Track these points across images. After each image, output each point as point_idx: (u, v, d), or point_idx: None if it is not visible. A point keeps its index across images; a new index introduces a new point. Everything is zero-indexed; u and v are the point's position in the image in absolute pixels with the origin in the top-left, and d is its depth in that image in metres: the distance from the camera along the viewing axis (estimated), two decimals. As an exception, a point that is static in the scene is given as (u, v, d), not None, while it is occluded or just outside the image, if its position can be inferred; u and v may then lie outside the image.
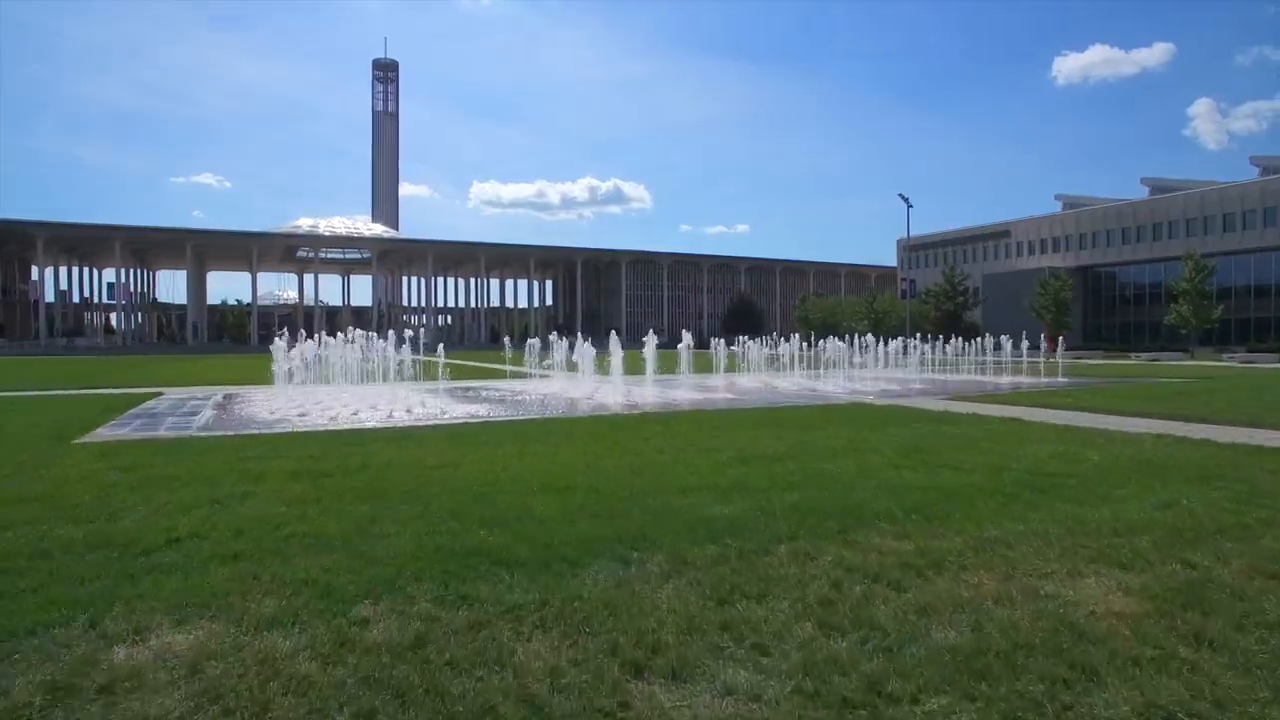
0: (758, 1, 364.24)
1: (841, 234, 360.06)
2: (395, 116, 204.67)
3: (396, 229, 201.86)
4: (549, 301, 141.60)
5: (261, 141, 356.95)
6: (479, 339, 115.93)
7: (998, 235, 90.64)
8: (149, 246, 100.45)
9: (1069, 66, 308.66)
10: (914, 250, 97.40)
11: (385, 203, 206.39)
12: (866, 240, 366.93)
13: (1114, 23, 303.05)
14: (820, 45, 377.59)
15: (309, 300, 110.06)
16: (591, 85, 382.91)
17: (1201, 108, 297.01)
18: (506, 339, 26.73)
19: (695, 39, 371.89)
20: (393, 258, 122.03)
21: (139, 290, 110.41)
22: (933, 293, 74.15)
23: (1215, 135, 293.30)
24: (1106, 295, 79.90)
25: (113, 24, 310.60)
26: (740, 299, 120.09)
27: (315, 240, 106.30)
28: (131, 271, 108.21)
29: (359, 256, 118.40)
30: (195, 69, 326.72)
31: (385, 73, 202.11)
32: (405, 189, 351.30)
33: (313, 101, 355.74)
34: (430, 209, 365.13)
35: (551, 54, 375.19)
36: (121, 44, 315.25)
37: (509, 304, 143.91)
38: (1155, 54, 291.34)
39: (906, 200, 79.73)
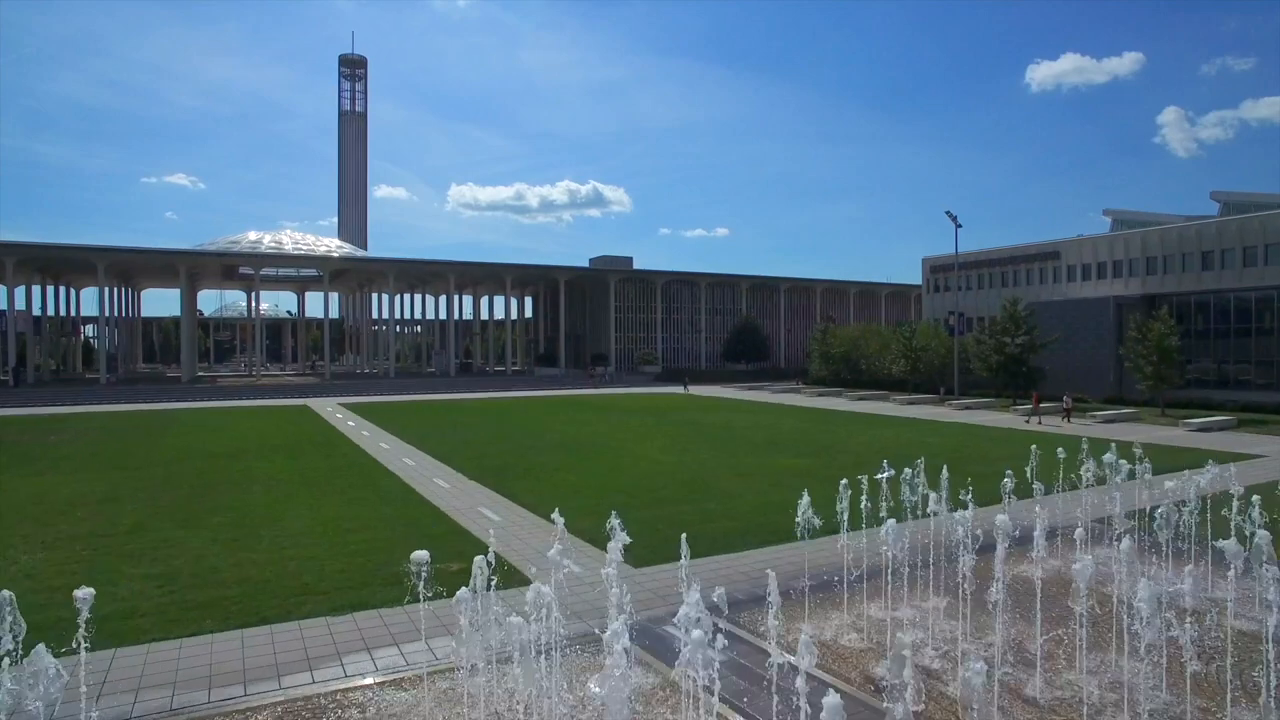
0: (735, 7, 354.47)
1: (823, 238, 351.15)
2: (364, 116, 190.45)
3: (365, 232, 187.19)
4: (529, 315, 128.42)
5: (236, 141, 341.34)
6: (447, 366, 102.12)
7: (1045, 257, 78.39)
8: (54, 265, 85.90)
9: (1042, 74, 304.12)
10: (939, 272, 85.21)
11: (353, 206, 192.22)
12: (850, 245, 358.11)
13: (1086, 31, 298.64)
14: (797, 51, 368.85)
15: (281, 312, 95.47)
16: (570, 88, 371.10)
17: (1170, 116, 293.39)
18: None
19: (674, 43, 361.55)
20: (351, 276, 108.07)
21: (47, 313, 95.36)
22: (992, 328, 60.93)
23: (1184, 143, 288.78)
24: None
25: (75, 18, 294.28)
26: (744, 321, 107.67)
27: (255, 259, 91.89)
28: (46, 289, 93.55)
29: (313, 274, 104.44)
30: (163, 65, 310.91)
31: (353, 69, 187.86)
32: (382, 191, 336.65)
33: (289, 100, 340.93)
34: (407, 211, 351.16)
35: (530, 56, 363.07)
36: (85, 39, 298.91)
37: (486, 317, 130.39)
38: (1126, 63, 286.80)
39: (954, 219, 67.33)
